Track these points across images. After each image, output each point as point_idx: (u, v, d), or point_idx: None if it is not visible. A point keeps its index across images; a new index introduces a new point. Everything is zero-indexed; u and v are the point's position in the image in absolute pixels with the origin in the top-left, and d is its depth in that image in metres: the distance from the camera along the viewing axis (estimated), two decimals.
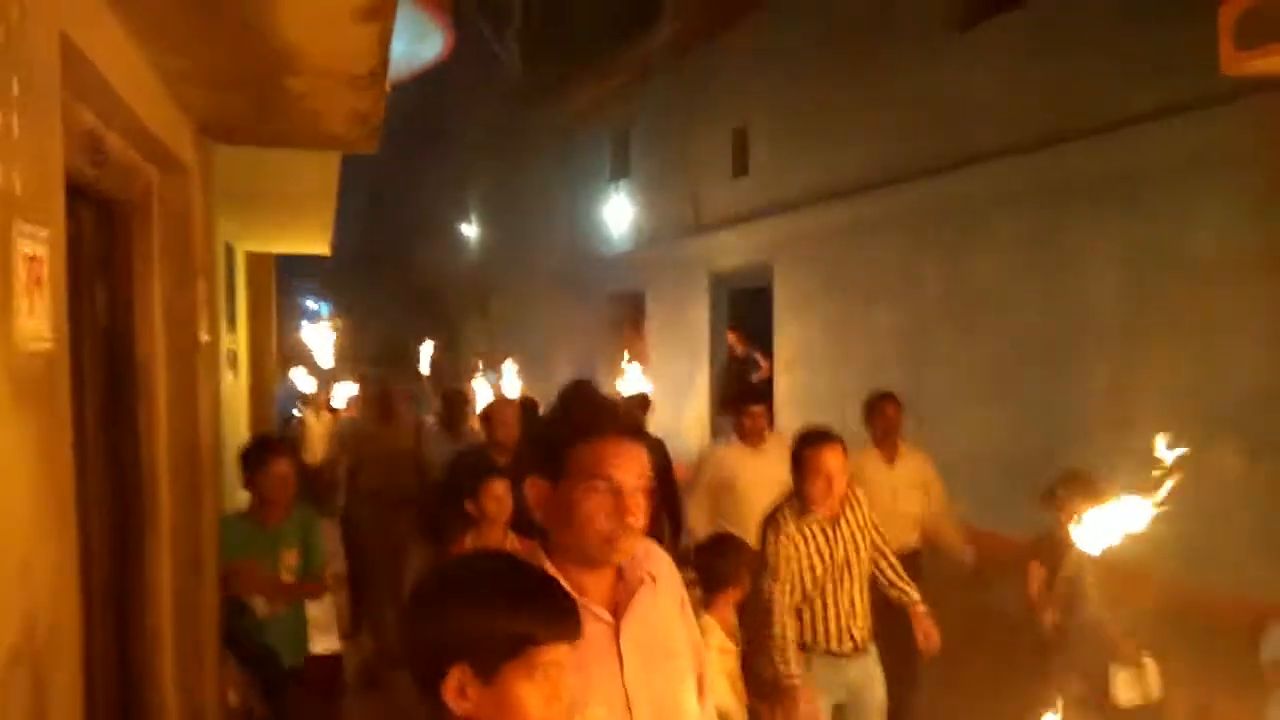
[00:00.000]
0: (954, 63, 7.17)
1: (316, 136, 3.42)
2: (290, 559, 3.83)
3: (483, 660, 1.28)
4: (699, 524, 4.91)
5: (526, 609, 1.32)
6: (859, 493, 3.59)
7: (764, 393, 5.32)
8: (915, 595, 3.64)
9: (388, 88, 3.17)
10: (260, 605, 3.75)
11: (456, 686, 1.28)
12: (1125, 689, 3.70)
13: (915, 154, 7.54)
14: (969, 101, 7.01)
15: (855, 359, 8.37)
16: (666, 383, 11.12)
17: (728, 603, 3.15)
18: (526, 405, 6.15)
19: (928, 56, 7.44)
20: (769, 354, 9.95)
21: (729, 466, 4.96)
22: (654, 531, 4.39)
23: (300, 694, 3.83)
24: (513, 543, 3.66)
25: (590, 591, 1.67)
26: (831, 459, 3.33)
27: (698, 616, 3.05)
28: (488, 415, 5.01)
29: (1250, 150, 5.04)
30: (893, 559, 3.67)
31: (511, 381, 7.77)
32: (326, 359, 7.55)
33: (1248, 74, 4.46)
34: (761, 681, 3.26)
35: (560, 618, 1.36)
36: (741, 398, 5.23)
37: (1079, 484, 3.84)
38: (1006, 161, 6.52)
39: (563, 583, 1.52)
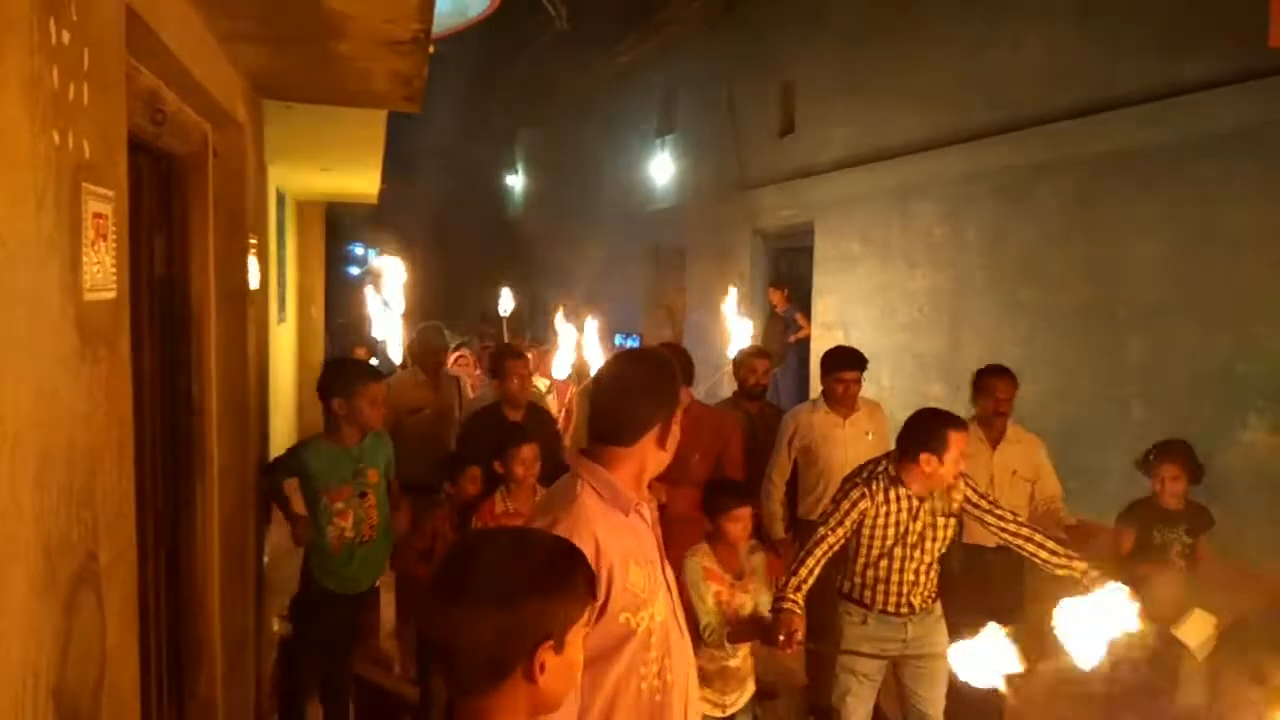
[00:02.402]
0: (1002, 28, 7.07)
1: (362, 96, 3.53)
2: (373, 476, 3.86)
3: (561, 633, 1.41)
4: (776, 487, 4.75)
5: (585, 579, 1.47)
6: (959, 484, 3.49)
7: (861, 359, 4.74)
8: (1080, 565, 3.30)
9: (432, 48, 3.27)
10: (348, 528, 3.77)
11: (542, 661, 1.38)
12: (1193, 631, 3.65)
13: (960, 119, 7.48)
14: (1015, 68, 6.92)
15: (894, 321, 8.40)
16: (704, 340, 11.20)
17: (724, 541, 3.32)
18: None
19: (976, 21, 7.34)
20: (808, 314, 9.99)
21: (815, 433, 4.69)
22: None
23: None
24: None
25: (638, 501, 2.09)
26: (964, 444, 3.36)
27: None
28: (500, 369, 4.72)
29: None
30: (1036, 535, 3.45)
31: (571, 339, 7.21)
32: (396, 303, 6.83)
33: None
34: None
35: (594, 578, 1.53)
36: (836, 362, 4.74)
37: (1179, 453, 3.93)
38: (1050, 129, 6.46)
39: (625, 492, 2.02)
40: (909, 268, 8.26)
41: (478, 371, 6.98)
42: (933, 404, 4.53)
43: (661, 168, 13.58)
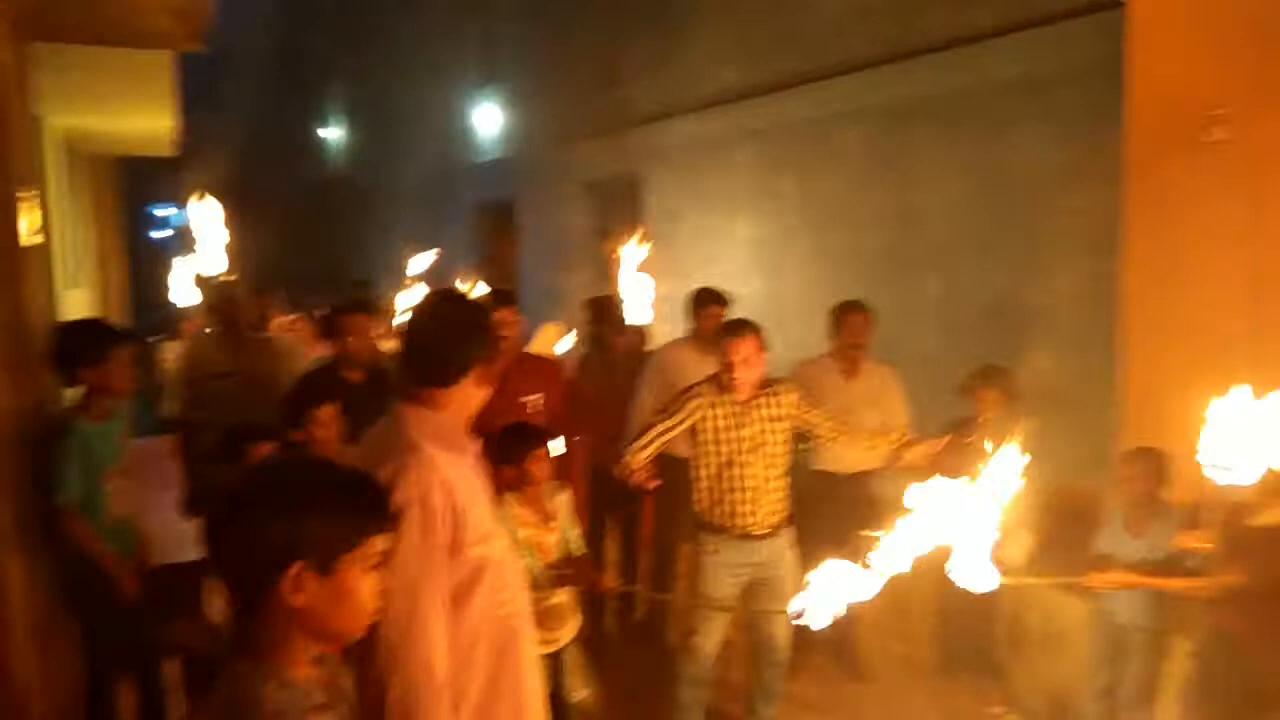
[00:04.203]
0: None
1: (139, 35, 3.30)
2: (127, 444, 3.66)
3: (322, 555, 1.38)
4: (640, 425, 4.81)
5: (362, 504, 1.45)
6: (784, 390, 3.80)
7: (724, 296, 5.00)
8: (883, 440, 3.84)
9: None
10: (117, 506, 3.53)
11: (293, 584, 1.36)
12: (1013, 551, 3.95)
13: (772, 70, 7.70)
14: (821, 19, 7.18)
15: (719, 268, 8.60)
16: (540, 292, 11.18)
17: (529, 481, 3.39)
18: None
19: None
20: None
21: (679, 369, 4.74)
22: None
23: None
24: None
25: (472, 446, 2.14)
26: (739, 347, 3.64)
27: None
28: (338, 326, 4.40)
29: (1079, 70, 5.36)
30: (845, 430, 3.91)
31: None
32: (216, 264, 6.15)
33: None
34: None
35: (385, 511, 1.50)
36: (703, 300, 4.93)
37: (994, 377, 4.22)
38: (854, 78, 6.75)
39: (457, 434, 2.07)
40: (731, 215, 8.50)
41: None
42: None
43: (486, 118, 13.33)
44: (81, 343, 3.42)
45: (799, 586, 3.70)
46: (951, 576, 2.21)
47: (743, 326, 3.75)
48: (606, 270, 10.50)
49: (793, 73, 7.42)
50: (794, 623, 2.42)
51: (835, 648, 4.76)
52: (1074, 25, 5.21)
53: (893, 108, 6.54)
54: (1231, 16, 4.20)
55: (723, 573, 3.73)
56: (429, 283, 5.82)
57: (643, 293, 5.52)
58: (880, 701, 4.41)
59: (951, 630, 4.30)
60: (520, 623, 2.13)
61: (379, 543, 1.45)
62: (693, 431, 3.73)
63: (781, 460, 3.78)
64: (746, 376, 3.66)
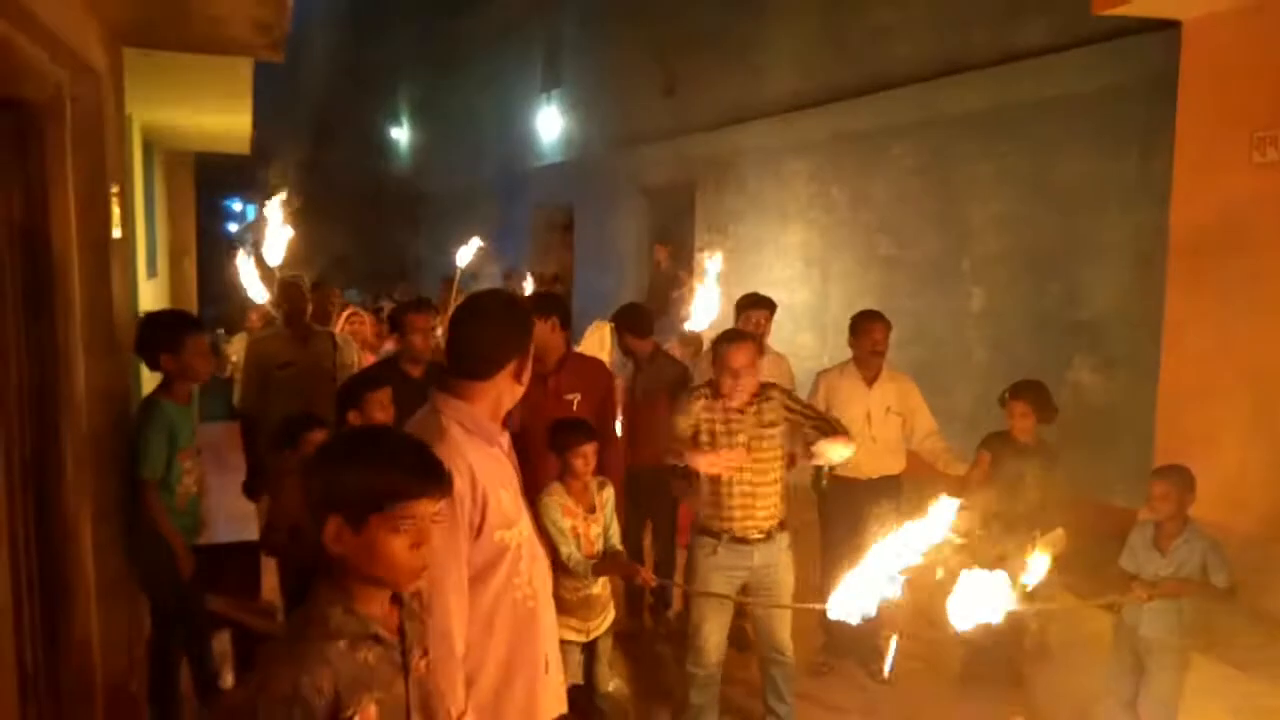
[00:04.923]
0: None
1: (222, 43, 3.53)
2: (196, 427, 3.88)
3: (353, 512, 1.51)
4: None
5: (391, 468, 1.55)
6: (774, 394, 3.85)
7: (770, 301, 5.06)
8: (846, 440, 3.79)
9: None
10: (191, 485, 3.75)
11: (333, 534, 1.52)
12: (1049, 547, 4.02)
13: (827, 83, 7.80)
14: (876, 34, 7.26)
15: (770, 275, 8.72)
16: (594, 296, 11.38)
17: (572, 474, 3.54)
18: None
19: None
20: (691, 269, 10.23)
21: None
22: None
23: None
24: None
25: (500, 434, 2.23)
26: (737, 355, 3.69)
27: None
28: (402, 323, 4.50)
29: (1129, 88, 5.39)
30: (829, 425, 3.91)
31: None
32: (280, 259, 6.35)
33: (1115, 14, 4.80)
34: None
35: (424, 477, 1.57)
36: (746, 303, 5.00)
37: (1029, 392, 4.29)
38: (906, 92, 6.82)
39: (487, 424, 2.14)
40: (782, 224, 8.59)
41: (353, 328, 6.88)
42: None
43: (548, 123, 13.57)
44: (162, 331, 3.67)
45: (793, 589, 3.83)
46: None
47: (739, 335, 3.84)
48: (654, 275, 10.72)
49: (847, 86, 7.52)
50: (830, 618, 2.46)
51: (861, 653, 4.83)
52: (1124, 44, 5.24)
53: (943, 122, 6.60)
54: None
55: (717, 575, 3.79)
56: (488, 280, 6.01)
57: (705, 300, 5.66)
58: (903, 706, 4.47)
59: (974, 638, 4.35)
60: (539, 605, 2.20)
61: (418, 508, 1.55)
62: (694, 434, 3.80)
63: (775, 466, 3.82)
64: (741, 384, 3.72)
